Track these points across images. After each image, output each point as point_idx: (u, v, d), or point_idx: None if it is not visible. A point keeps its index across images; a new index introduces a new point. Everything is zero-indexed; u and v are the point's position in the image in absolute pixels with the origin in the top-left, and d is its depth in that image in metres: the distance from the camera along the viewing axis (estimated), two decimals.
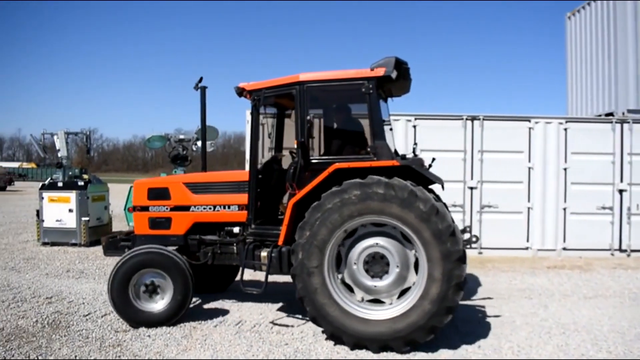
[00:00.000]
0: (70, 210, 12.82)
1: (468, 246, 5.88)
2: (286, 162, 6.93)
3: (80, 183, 13.16)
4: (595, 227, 11.62)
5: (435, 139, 11.50)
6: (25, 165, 77.45)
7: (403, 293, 5.67)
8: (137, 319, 6.22)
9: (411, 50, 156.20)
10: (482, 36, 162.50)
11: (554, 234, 11.64)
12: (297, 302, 5.86)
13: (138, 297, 6.27)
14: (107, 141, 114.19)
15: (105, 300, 7.37)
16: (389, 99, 7.06)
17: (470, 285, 8.87)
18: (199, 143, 12.99)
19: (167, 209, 6.90)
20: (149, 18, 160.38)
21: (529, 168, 11.65)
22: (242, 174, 6.70)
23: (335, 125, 6.78)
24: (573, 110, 17.37)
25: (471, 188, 11.65)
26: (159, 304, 6.28)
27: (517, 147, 11.64)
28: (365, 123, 6.24)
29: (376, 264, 5.66)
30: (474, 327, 6.49)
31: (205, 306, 7.31)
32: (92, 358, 5.30)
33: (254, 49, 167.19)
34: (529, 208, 11.64)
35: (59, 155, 13.76)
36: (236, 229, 6.65)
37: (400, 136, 11.50)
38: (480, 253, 11.55)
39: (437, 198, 5.92)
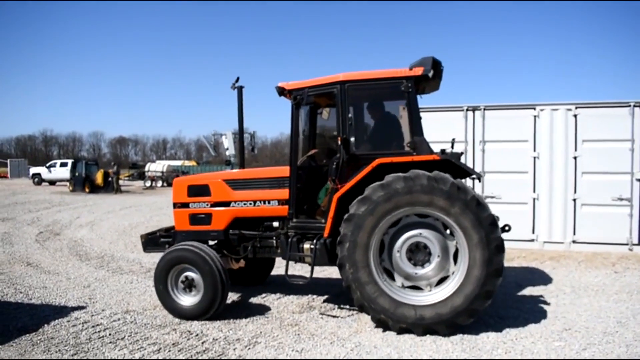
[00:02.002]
0: None
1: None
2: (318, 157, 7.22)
3: None
4: None
5: (598, 128, 10.87)
6: (187, 163, 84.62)
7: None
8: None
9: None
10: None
11: None
12: None
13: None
14: (257, 139, 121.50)
15: (275, 284, 8.26)
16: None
17: None
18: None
19: (207, 205, 7.07)
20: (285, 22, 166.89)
21: None
22: (282, 170, 6.82)
23: (373, 122, 6.91)
24: None
25: None
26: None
27: None
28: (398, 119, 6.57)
29: (419, 252, 5.92)
30: None
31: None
32: (275, 334, 5.98)
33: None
34: None
35: (227, 153, 15.09)
36: (275, 224, 6.85)
37: (560, 126, 11.05)
38: None
39: None
